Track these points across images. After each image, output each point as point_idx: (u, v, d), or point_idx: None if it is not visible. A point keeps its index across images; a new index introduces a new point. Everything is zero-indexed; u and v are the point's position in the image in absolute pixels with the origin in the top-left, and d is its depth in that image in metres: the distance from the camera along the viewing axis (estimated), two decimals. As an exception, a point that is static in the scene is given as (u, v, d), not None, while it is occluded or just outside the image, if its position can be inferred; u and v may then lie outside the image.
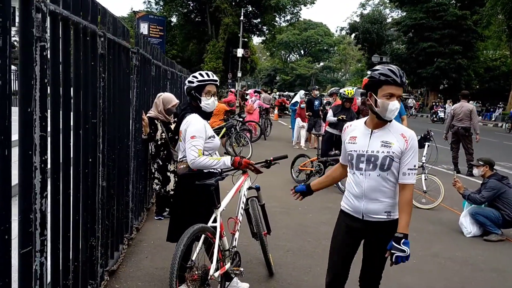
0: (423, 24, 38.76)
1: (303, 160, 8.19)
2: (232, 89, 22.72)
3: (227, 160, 3.27)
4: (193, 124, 3.21)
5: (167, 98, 5.18)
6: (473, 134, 9.84)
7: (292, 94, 14.86)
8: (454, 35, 38.00)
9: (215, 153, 3.40)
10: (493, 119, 34.33)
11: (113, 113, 3.55)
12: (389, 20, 57.45)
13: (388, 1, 54.45)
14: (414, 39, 40.93)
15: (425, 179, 6.78)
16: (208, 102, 3.34)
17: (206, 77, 3.33)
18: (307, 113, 12.31)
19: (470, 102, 25.39)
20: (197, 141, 3.15)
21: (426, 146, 7.07)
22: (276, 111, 25.67)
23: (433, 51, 38.37)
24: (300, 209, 6.39)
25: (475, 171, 5.85)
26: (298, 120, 12.87)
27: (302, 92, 13.95)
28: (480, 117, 35.17)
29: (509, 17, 31.29)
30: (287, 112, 27.17)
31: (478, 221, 5.41)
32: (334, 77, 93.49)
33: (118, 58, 3.67)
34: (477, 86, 45.91)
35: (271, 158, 3.85)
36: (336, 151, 7.66)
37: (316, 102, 12.20)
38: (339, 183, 7.46)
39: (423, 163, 6.89)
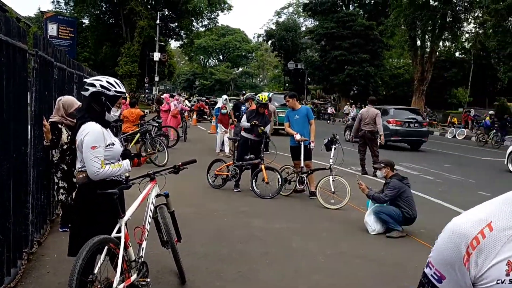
0: (334, 33, 40.70)
1: (219, 165, 8.21)
2: (177, 96, 19.74)
3: (127, 163, 3.18)
4: (91, 134, 3.02)
5: (68, 101, 4.90)
6: (378, 137, 10.52)
7: (219, 98, 14.38)
8: (362, 44, 40.36)
9: (118, 161, 3.26)
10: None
11: (7, 119, 3.30)
12: (303, 28, 59.66)
13: (301, 11, 56.49)
14: (326, 47, 42.81)
15: (333, 181, 7.10)
16: (116, 114, 3.22)
17: (122, 89, 3.19)
18: (232, 119, 12.22)
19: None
20: (98, 151, 3.00)
21: (333, 148, 7.42)
22: (194, 116, 25.49)
23: (343, 59, 40.41)
24: (216, 214, 6.39)
25: (378, 173, 6.25)
26: (220, 126, 12.71)
27: (224, 97, 13.86)
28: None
29: (410, 28, 33.87)
30: (206, 117, 27.09)
31: (381, 219, 5.75)
32: (253, 82, 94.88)
33: (12, 60, 3.42)
34: (384, 92, 49.09)
35: (180, 163, 3.81)
36: (252, 155, 7.77)
37: (243, 107, 12.15)
38: (254, 186, 7.59)
39: (330, 165, 7.22)
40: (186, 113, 19.23)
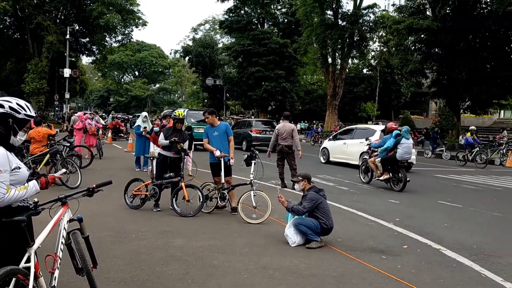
0: (250, 50, 41.57)
1: (137, 184, 7.94)
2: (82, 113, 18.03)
3: (33, 184, 2.98)
4: None
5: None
6: (295, 151, 10.84)
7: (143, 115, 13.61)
8: (278, 61, 41.64)
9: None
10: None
11: None
12: (220, 45, 60.27)
13: (218, 28, 57.11)
14: (243, 63, 43.58)
15: (254, 195, 7.17)
16: (22, 138, 3.02)
17: (32, 113, 2.98)
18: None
19: (304, 121, 27.85)
20: (3, 175, 2.79)
21: (253, 164, 7.52)
22: (109, 134, 24.54)
23: (260, 75, 41.36)
24: (134, 236, 6.14)
25: (296, 186, 6.41)
26: (152, 145, 11.91)
27: (144, 114, 13.34)
28: (303, 135, 39.05)
29: (321, 46, 35.61)
30: (122, 135, 26.18)
31: (300, 230, 5.90)
32: (171, 98, 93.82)
33: None
34: (300, 107, 50.93)
35: (94, 186, 3.63)
36: (171, 174, 7.62)
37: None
38: (175, 205, 7.44)
39: (251, 180, 7.29)
40: (100, 131, 18.53)
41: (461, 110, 29.24)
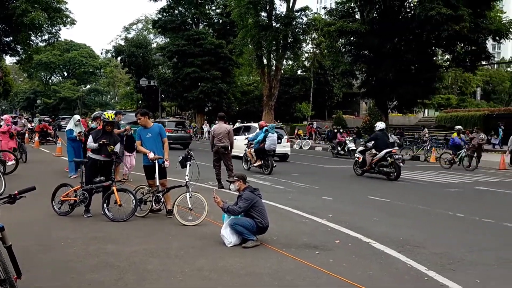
0: (185, 51, 41.13)
1: (66, 189, 7.58)
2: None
3: None
4: None
5: None
6: (231, 152, 10.87)
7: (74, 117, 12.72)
8: (213, 61, 41.53)
9: None
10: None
11: None
12: (154, 45, 59.09)
13: (151, 27, 55.93)
14: (178, 64, 43.02)
15: (190, 197, 7.09)
16: None
17: None
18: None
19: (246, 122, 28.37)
20: None
21: (188, 165, 7.44)
22: (36, 138, 23.24)
23: (196, 76, 41.04)
24: (63, 243, 5.86)
25: (232, 186, 6.43)
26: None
27: (76, 117, 12.56)
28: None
29: (256, 47, 35.93)
30: (50, 138, 24.88)
31: (236, 230, 5.91)
32: (103, 100, 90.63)
33: None
34: (237, 108, 51.11)
35: (16, 192, 3.42)
36: (102, 178, 7.35)
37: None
38: (106, 210, 7.19)
39: (186, 181, 7.21)
40: (26, 135, 17.53)
41: (389, 110, 30.71)
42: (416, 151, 22.68)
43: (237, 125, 24.32)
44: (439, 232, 6.99)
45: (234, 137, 17.88)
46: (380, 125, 14.32)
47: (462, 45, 27.12)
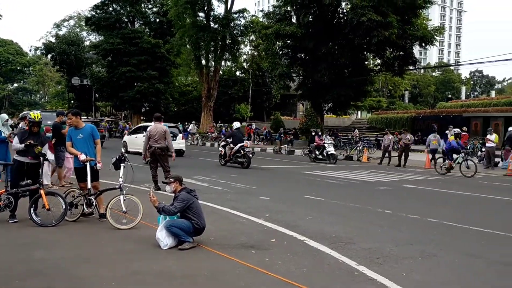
0: (120, 50, 40.03)
1: (-12, 194, 7.11)
2: None
3: None
4: None
5: None
6: (169, 153, 10.71)
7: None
8: (150, 61, 40.73)
9: None
10: (189, 137, 38.21)
11: None
12: (87, 43, 56.95)
13: (84, 24, 53.82)
14: (113, 63, 41.78)
15: (124, 200, 6.91)
16: None
17: None
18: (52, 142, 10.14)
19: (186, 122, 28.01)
20: None
21: (122, 167, 7.24)
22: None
23: (132, 76, 40.05)
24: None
25: (168, 188, 6.34)
26: (49, 153, 10.11)
27: (4, 116, 11.24)
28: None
29: (195, 48, 35.70)
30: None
31: (172, 232, 5.84)
32: (32, 99, 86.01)
33: None
34: (175, 109, 50.42)
35: None
36: (28, 181, 6.97)
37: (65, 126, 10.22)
38: (33, 215, 6.84)
39: (120, 184, 7.01)
40: None
41: (324, 111, 31.67)
42: (349, 151, 23.54)
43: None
44: (369, 229, 7.32)
45: (135, 135, 20.25)
46: (236, 124, 18.01)
47: (391, 50, 28.54)
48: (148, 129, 11.10)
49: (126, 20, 46.24)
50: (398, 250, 6.02)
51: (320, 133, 21.79)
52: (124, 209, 6.87)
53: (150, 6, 47.99)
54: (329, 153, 19.98)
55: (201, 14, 36.38)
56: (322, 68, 26.97)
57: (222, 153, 17.71)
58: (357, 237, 6.60)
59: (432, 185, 13.40)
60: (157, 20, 46.62)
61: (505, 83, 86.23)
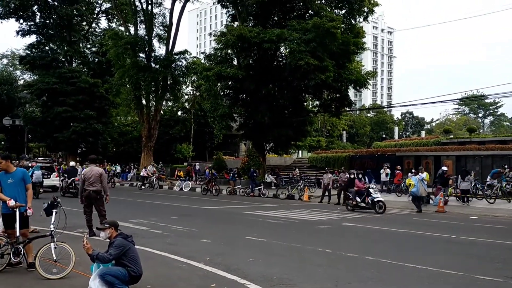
0: (56, 89, 38.86)
1: None
2: None
3: None
4: None
5: None
6: (104, 196, 10.33)
7: None
8: (88, 101, 39.71)
9: None
10: (129, 179, 37.16)
11: None
12: (21, 82, 54.78)
13: (18, 63, 51.88)
14: (48, 103, 40.38)
15: (55, 248, 6.53)
16: None
17: None
18: None
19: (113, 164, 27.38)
20: None
21: (54, 213, 6.89)
22: None
23: (68, 116, 38.79)
24: None
25: (102, 234, 6.06)
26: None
27: None
28: (118, 178, 37.56)
29: (135, 88, 35.32)
30: None
31: (107, 281, 5.55)
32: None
33: None
34: (114, 149, 49.03)
35: None
36: None
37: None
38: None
39: (51, 231, 6.65)
40: None
41: (266, 151, 32.11)
42: (291, 190, 23.85)
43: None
44: (310, 269, 7.37)
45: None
46: (71, 163, 23.05)
47: (328, 92, 29.77)
48: (82, 172, 10.69)
49: (63, 59, 45.14)
50: (337, 289, 6.09)
51: (360, 176, 18.53)
52: (54, 258, 6.49)
53: (88, 46, 47.26)
54: (375, 199, 16.39)
55: (141, 54, 36.29)
56: (263, 109, 27.54)
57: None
58: (297, 278, 6.62)
59: (369, 222, 13.80)
60: (96, 59, 45.88)
61: (433, 124, 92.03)
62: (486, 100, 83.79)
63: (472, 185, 19.62)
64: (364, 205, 16.68)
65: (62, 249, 6.58)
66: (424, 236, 11.51)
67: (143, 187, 28.84)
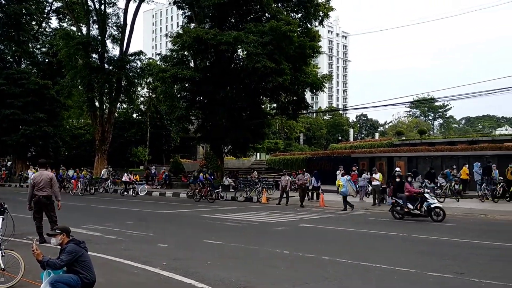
0: (4, 91, 37.16)
1: None
2: None
3: None
4: None
5: None
6: (55, 202, 9.93)
7: None
8: (38, 103, 38.22)
9: None
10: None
11: None
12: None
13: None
14: (-4, 105, 38.56)
15: (3, 256, 6.22)
16: None
17: None
18: None
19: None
20: None
21: (1, 219, 6.56)
22: None
23: (17, 118, 37.18)
24: None
25: (53, 240, 5.81)
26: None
27: None
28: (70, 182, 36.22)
29: (88, 89, 34.30)
30: None
31: (57, 289, 5.34)
32: None
33: None
34: (66, 153, 47.36)
35: None
36: None
37: None
38: None
39: (-2, 239, 6.32)
40: None
41: (224, 153, 31.98)
42: (249, 193, 23.86)
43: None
44: (267, 271, 7.38)
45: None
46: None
47: (285, 95, 30.03)
48: (32, 177, 10.24)
49: (11, 59, 43.26)
50: (295, 290, 6.12)
51: (410, 179, 15.85)
52: (2, 266, 6.19)
53: (38, 46, 45.47)
54: (432, 206, 14.35)
55: (94, 55, 35.34)
56: (220, 111, 27.44)
57: None
58: (255, 280, 6.61)
59: (326, 223, 14.01)
60: (46, 60, 44.22)
61: (386, 126, 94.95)
62: (436, 103, 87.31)
63: (423, 185, 20.37)
64: (418, 212, 14.59)
65: (10, 257, 6.27)
66: (378, 235, 11.82)
67: (125, 193, 26.69)
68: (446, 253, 8.99)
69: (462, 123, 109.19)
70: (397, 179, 16.21)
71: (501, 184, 20.31)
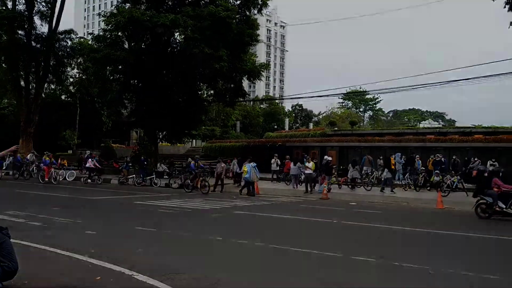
0: None
1: None
2: None
3: None
4: None
5: None
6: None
7: None
8: (-46, 80, 35.23)
9: None
10: (4, 167, 33.75)
11: None
12: None
13: None
14: None
15: None
16: None
17: None
18: None
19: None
20: None
21: None
22: None
23: None
24: None
25: (-30, 227, 5.44)
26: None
27: None
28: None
29: (12, 68, 32.13)
30: None
31: (-27, 280, 5.00)
32: None
33: None
34: (-14, 135, 44.18)
35: None
36: None
37: None
38: None
39: None
40: None
41: (159, 140, 31.34)
42: (184, 180, 23.60)
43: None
44: (199, 258, 7.37)
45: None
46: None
47: (222, 82, 29.86)
48: None
49: None
50: (226, 277, 6.17)
51: (499, 172, 13.66)
52: None
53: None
54: None
55: (20, 32, 33.04)
56: (156, 96, 26.80)
57: None
58: (186, 268, 6.57)
59: (259, 210, 14.23)
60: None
61: (320, 116, 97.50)
62: (367, 96, 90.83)
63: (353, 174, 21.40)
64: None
65: None
66: (309, 221, 12.20)
67: (89, 180, 24.26)
68: (371, 238, 9.47)
69: (390, 115, 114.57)
70: (486, 173, 13.93)
71: (423, 174, 21.70)
